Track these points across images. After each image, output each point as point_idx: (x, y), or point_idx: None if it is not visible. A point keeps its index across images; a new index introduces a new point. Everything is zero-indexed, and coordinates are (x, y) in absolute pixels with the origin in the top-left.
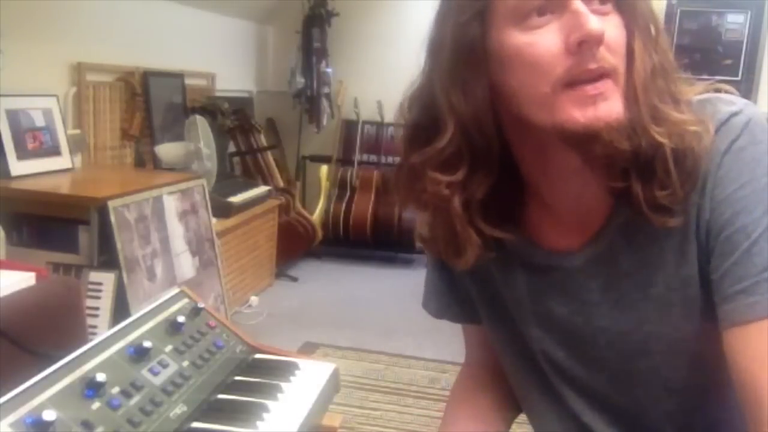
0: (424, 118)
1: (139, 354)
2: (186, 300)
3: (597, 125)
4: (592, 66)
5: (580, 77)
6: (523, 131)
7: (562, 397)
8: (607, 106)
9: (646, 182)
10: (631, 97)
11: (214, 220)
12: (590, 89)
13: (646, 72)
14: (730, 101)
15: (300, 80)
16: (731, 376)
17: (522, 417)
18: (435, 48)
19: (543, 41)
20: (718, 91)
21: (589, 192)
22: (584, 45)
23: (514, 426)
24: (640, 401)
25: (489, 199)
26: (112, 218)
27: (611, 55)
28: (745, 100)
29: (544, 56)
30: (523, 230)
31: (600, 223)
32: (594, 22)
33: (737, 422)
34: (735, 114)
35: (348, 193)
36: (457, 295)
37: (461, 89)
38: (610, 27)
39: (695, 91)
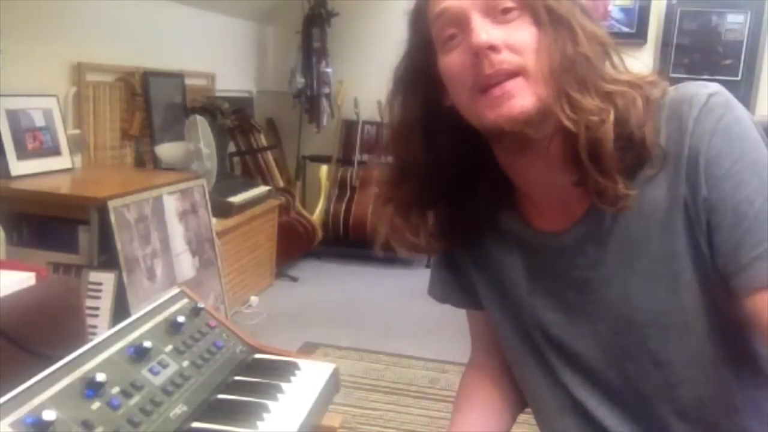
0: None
1: (139, 354)
2: (186, 300)
3: (500, 121)
4: (489, 71)
5: (487, 82)
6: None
7: (559, 374)
8: (511, 103)
9: (599, 174)
10: (541, 89)
11: (214, 220)
12: (496, 91)
13: (553, 65)
14: (703, 84)
15: (300, 80)
16: (761, 341)
17: (522, 417)
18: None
19: (455, 59)
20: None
21: (560, 181)
22: (479, 55)
23: (513, 426)
24: (630, 375)
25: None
26: (112, 218)
27: (516, 56)
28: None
29: (457, 71)
30: (520, 214)
31: (586, 205)
32: (479, 36)
33: (725, 398)
34: (713, 95)
35: (348, 193)
36: (459, 281)
37: (399, 103)
38: (511, 32)
39: (628, 76)
